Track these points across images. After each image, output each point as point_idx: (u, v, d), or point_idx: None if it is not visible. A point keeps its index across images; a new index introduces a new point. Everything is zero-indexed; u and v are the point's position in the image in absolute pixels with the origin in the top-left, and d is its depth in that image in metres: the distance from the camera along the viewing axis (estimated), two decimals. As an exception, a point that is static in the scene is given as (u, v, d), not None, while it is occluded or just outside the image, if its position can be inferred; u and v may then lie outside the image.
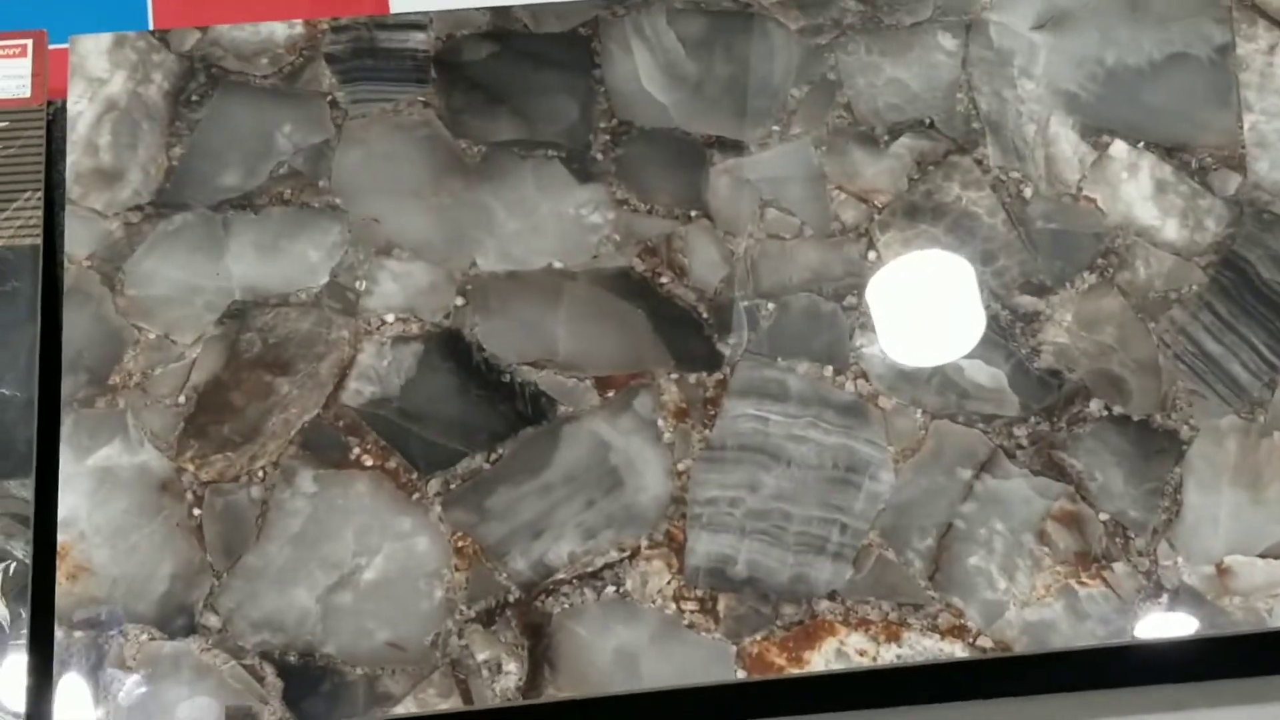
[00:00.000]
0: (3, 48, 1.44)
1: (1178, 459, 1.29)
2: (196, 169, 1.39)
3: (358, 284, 1.35)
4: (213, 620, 1.24)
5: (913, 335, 1.33)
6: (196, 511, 1.27)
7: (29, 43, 1.44)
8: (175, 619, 1.24)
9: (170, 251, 1.36)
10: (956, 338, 1.33)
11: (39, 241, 1.36)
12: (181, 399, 1.31)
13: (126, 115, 1.40)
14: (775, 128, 1.41)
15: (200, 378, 1.31)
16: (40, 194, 1.38)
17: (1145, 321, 1.34)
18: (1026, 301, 1.35)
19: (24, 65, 1.43)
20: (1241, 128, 1.41)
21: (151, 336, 1.33)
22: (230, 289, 1.35)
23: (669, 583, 1.25)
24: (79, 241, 1.36)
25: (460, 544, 1.26)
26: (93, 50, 1.42)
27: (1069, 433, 1.30)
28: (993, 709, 1.28)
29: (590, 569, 1.26)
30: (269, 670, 1.23)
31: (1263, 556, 1.25)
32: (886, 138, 1.41)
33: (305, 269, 1.36)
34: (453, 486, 1.28)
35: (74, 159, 1.39)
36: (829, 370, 1.32)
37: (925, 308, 1.34)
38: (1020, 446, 1.29)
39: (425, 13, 1.45)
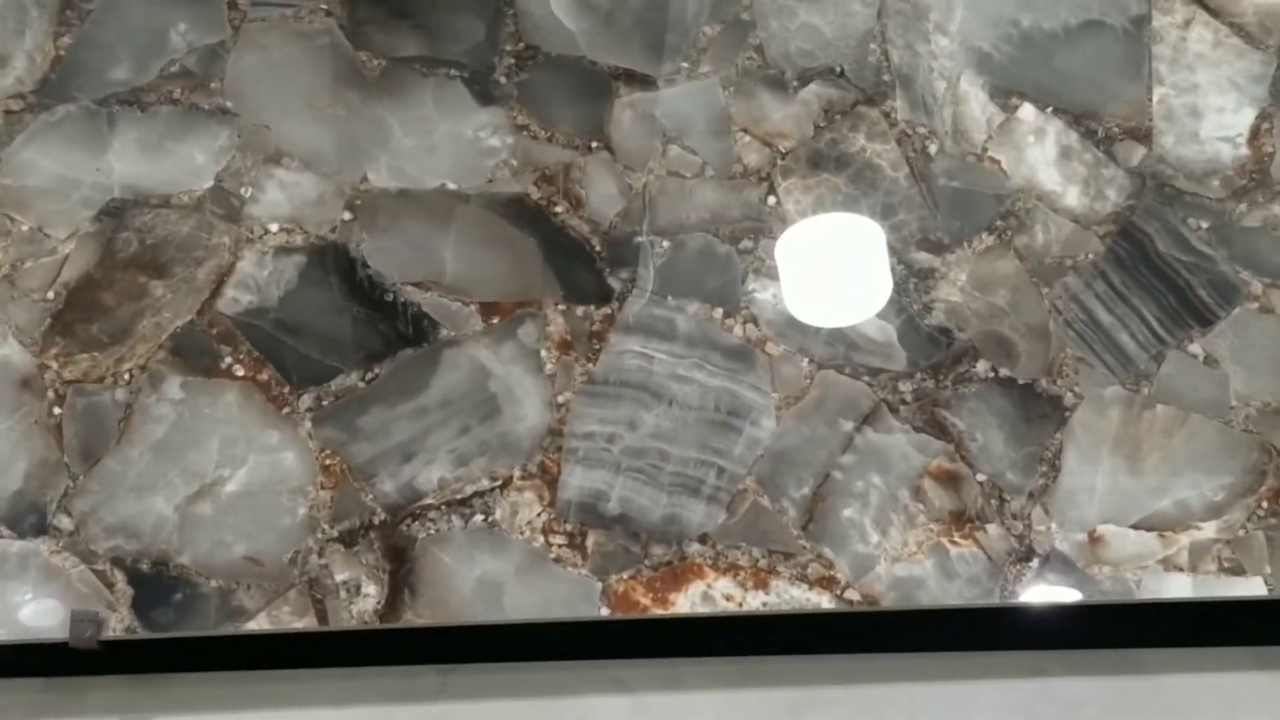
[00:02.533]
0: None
1: (1060, 425, 1.28)
2: (85, 61, 1.35)
3: (243, 190, 1.31)
4: (65, 522, 1.20)
5: (807, 284, 1.31)
6: (57, 410, 1.23)
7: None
8: (26, 518, 1.20)
9: (50, 143, 1.31)
10: (851, 290, 1.31)
11: (-87, 122, 1.31)
12: (50, 295, 1.27)
13: (15, 0, 1.35)
14: (685, 65, 1.39)
15: (71, 274, 1.27)
16: (-82, 74, 1.33)
17: (1039, 286, 1.32)
18: (922, 258, 1.33)
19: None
20: (1150, 100, 1.39)
21: (24, 228, 1.28)
22: (110, 186, 1.30)
23: (539, 515, 1.23)
24: (-45, 125, 1.31)
25: (328, 462, 1.23)
26: (-16, -71, 1.37)
27: (954, 392, 1.28)
28: (856, 664, 1.27)
29: (459, 496, 1.23)
30: (120, 577, 1.19)
31: (1135, 528, 1.25)
32: (796, 83, 1.39)
33: (190, 171, 1.32)
34: (325, 403, 1.25)
35: (-44, 40, 1.33)
36: (719, 312, 1.30)
37: (822, 258, 1.32)
38: (904, 402, 1.28)
39: (335, -81, 1.41)
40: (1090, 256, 1.33)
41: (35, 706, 1.22)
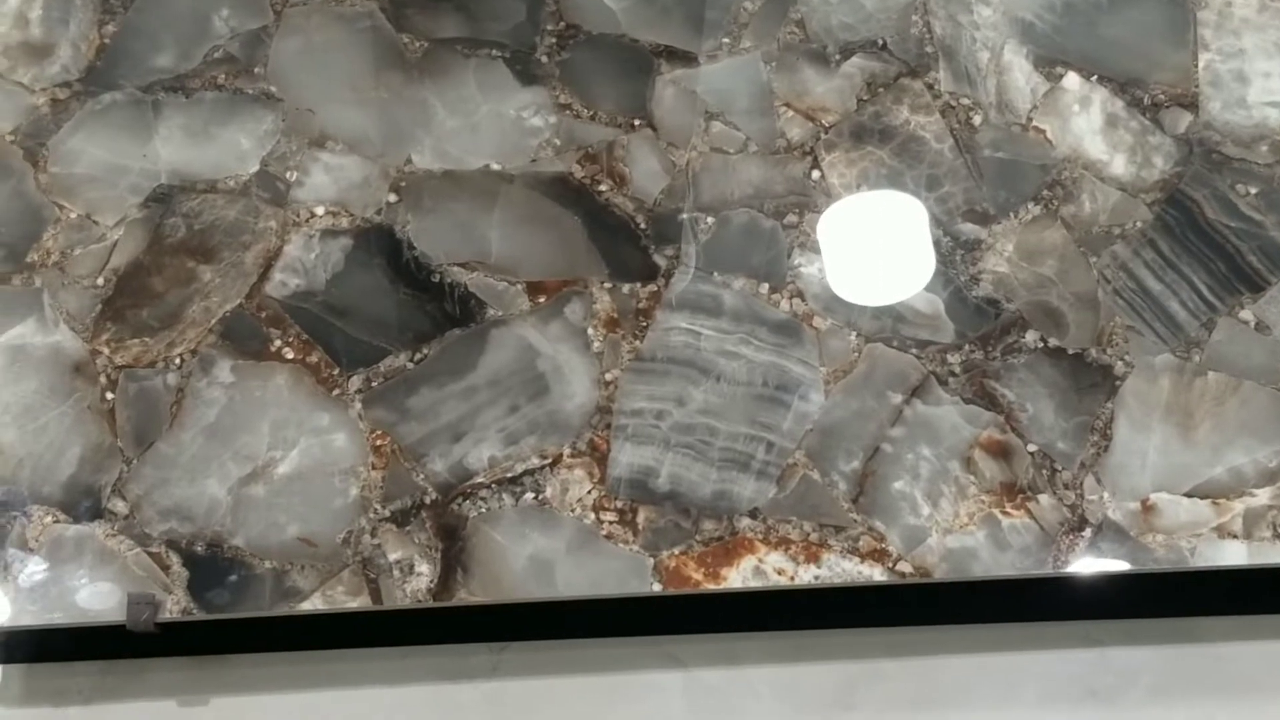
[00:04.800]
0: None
1: (1110, 394, 1.27)
2: (129, 48, 1.35)
3: (289, 174, 1.32)
4: (120, 506, 1.21)
5: (853, 258, 1.31)
6: (110, 395, 1.24)
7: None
8: (81, 502, 1.21)
9: (97, 131, 1.32)
10: (893, 267, 1.31)
11: (-38, 113, 1.33)
12: (100, 281, 1.27)
13: (59, -11, 1.36)
14: (726, 40, 1.38)
15: (121, 260, 1.28)
16: (-34, 65, 1.35)
17: (1087, 255, 1.32)
18: (968, 229, 1.33)
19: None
20: (1197, 66, 1.38)
21: (73, 216, 1.29)
22: (156, 172, 1.31)
23: (589, 492, 1.23)
24: (3, 115, 1.33)
25: (378, 442, 1.24)
26: (27, -80, 1.38)
27: (1002, 362, 1.28)
28: (910, 636, 1.27)
29: (510, 474, 1.24)
30: (175, 559, 1.20)
31: (1188, 495, 1.24)
32: (838, 57, 1.38)
33: (235, 156, 1.32)
34: (374, 384, 1.26)
35: (3, 30, 1.35)
36: (765, 288, 1.30)
37: (868, 231, 1.32)
38: (953, 374, 1.28)
39: (374, -98, 1.42)
40: (1138, 224, 1.32)
41: (94, 689, 1.23)
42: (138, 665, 1.23)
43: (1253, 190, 1.32)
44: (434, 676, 1.24)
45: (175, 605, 1.18)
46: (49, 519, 1.19)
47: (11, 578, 1.17)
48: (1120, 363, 1.28)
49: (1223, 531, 1.23)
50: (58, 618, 1.17)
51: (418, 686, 1.24)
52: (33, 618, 1.17)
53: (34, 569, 1.18)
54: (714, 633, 1.27)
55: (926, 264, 1.30)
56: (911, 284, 1.30)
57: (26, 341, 1.24)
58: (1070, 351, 1.28)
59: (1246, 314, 1.29)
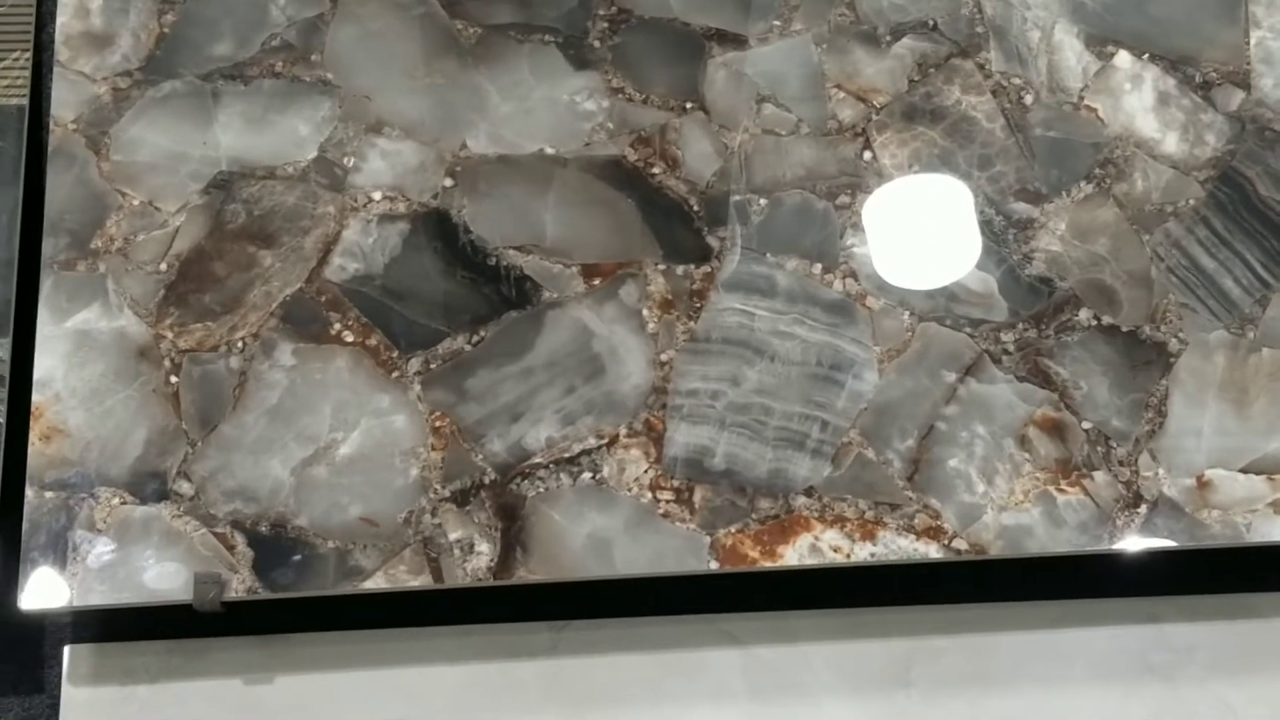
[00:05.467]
0: (-5, -95, 1.41)
1: (1164, 371, 1.28)
2: (188, 37, 1.37)
3: (346, 160, 1.33)
4: (185, 487, 1.23)
5: (905, 238, 1.31)
6: (174, 379, 1.26)
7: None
8: (147, 484, 1.23)
9: (157, 118, 1.34)
10: (950, 242, 1.32)
11: (25, 103, 1.35)
12: (163, 266, 1.29)
13: (119, -20, 1.38)
14: (776, 23, 1.39)
15: (183, 246, 1.30)
16: (29, 55, 1.37)
17: (1140, 233, 1.32)
18: (1021, 208, 1.33)
19: (17, -75, 1.41)
20: (1248, 44, 1.39)
21: (135, 203, 1.31)
22: (217, 159, 1.33)
23: (646, 471, 1.24)
24: (66, 104, 1.34)
25: (438, 424, 1.25)
26: (87, -88, 1.40)
27: (1056, 340, 1.28)
28: (966, 613, 1.28)
29: (567, 454, 1.25)
30: (240, 539, 1.22)
31: (1244, 471, 1.24)
32: (888, 38, 1.39)
33: (294, 142, 1.34)
34: (433, 366, 1.27)
35: (64, 21, 1.37)
36: (818, 268, 1.31)
37: (919, 212, 1.33)
38: (1006, 352, 1.28)
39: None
40: (1191, 202, 1.33)
41: (161, 668, 1.25)
42: (203, 644, 1.25)
43: (1306, 166, 1.33)
44: (495, 654, 1.26)
45: (240, 585, 1.20)
46: (116, 501, 1.22)
47: (80, 559, 1.20)
48: (1174, 340, 1.28)
49: (1278, 506, 1.23)
50: (125, 598, 1.19)
51: (479, 664, 1.26)
52: (101, 598, 1.19)
53: (102, 550, 1.20)
54: (770, 610, 1.28)
55: (978, 244, 1.30)
56: (963, 264, 1.30)
57: (92, 327, 1.26)
58: (1124, 329, 1.29)
59: (1301, 290, 1.29)
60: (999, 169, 1.34)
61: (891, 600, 1.28)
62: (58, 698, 1.24)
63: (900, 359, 1.28)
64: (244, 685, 1.25)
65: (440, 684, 1.25)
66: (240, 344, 1.26)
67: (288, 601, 1.23)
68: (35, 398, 1.24)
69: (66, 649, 1.25)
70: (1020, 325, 1.29)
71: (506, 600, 1.26)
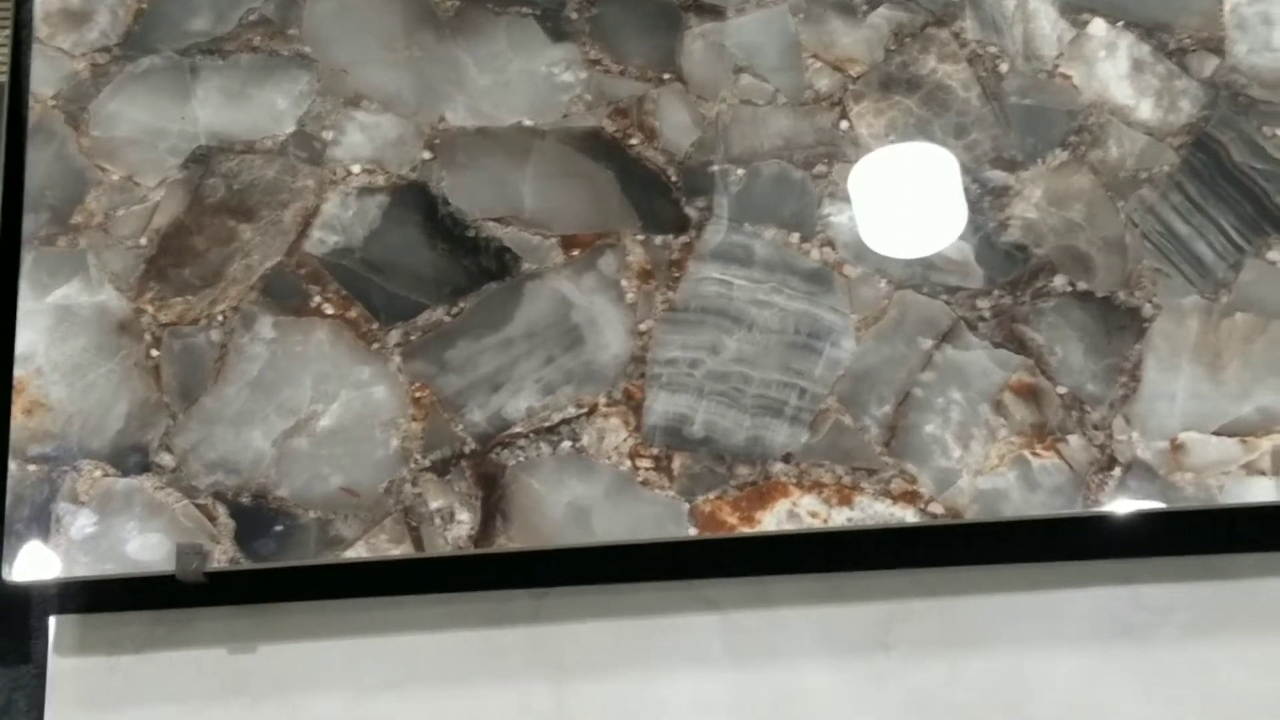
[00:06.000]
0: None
1: (1139, 336, 1.29)
2: (166, 13, 1.38)
3: (325, 134, 1.34)
4: (167, 459, 1.24)
5: (882, 207, 1.32)
6: (155, 352, 1.27)
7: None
8: (129, 457, 1.24)
9: (136, 94, 1.35)
10: (927, 211, 1.33)
11: (5, 79, 1.36)
12: (143, 241, 1.30)
13: (96, -44, 1.38)
14: (753, -6, 1.40)
15: (162, 221, 1.31)
16: (9, 32, 1.38)
17: (1114, 200, 1.33)
18: (997, 176, 1.34)
19: (-6, -99, 1.41)
20: (1222, 10, 1.39)
21: (115, 178, 1.32)
22: (195, 134, 1.34)
23: (625, 440, 1.25)
24: (45, 81, 1.35)
25: (418, 394, 1.26)
26: (64, -112, 1.40)
27: (1032, 307, 1.29)
28: (944, 576, 1.29)
29: (547, 424, 1.26)
30: (221, 510, 1.23)
31: (1217, 434, 1.26)
32: (865, 7, 1.39)
33: (272, 117, 1.35)
34: (413, 338, 1.28)
35: (42, -2, 1.37)
36: (795, 237, 1.32)
37: (897, 181, 1.33)
38: (982, 319, 1.29)
39: None
40: (1165, 168, 1.34)
41: (146, 639, 1.26)
42: (188, 615, 1.26)
43: (1278, 132, 1.33)
44: (477, 621, 1.27)
45: (223, 555, 1.21)
46: (98, 473, 1.23)
47: (63, 531, 1.21)
48: (1148, 305, 1.29)
49: (1251, 469, 1.24)
50: (109, 568, 1.21)
51: (461, 631, 1.27)
52: (84, 569, 1.20)
53: (84, 522, 1.21)
54: (749, 575, 1.29)
55: (956, 214, 1.31)
56: (942, 234, 1.31)
57: (73, 301, 1.27)
58: (1099, 295, 1.30)
59: (1274, 254, 1.30)
60: (974, 137, 1.35)
61: (870, 564, 1.29)
62: (44, 668, 1.25)
63: (877, 326, 1.28)
64: (228, 655, 1.26)
65: (422, 651, 1.26)
66: (220, 317, 1.27)
67: (270, 572, 1.24)
68: (17, 372, 1.25)
69: (52, 620, 1.26)
70: (996, 292, 1.30)
71: (488, 568, 1.28)
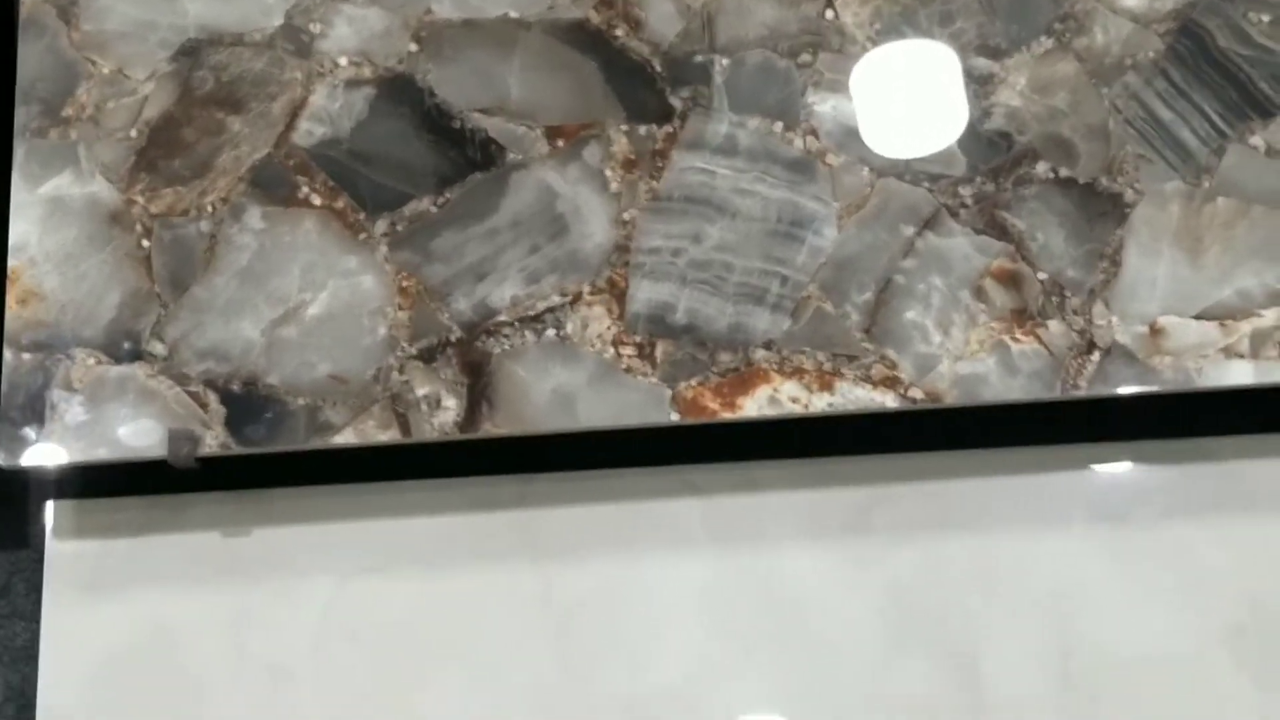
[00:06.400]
0: None
1: (1120, 222, 1.29)
2: (154, -93, 1.38)
3: (312, 26, 1.35)
4: (158, 348, 1.26)
5: (866, 95, 1.33)
6: (145, 243, 1.29)
7: None
8: (122, 345, 1.26)
9: (126, -12, 1.36)
10: (912, 99, 1.33)
11: (-5, -25, 1.36)
12: (133, 133, 1.32)
13: None
14: (739, -117, 1.39)
15: (152, 113, 1.32)
16: (-3, -72, 1.38)
17: (1098, 87, 1.33)
18: (981, 64, 1.34)
19: None
20: (1211, -105, 1.38)
21: (105, 71, 1.33)
22: (185, 26, 1.35)
23: (609, 328, 1.27)
24: (35, -25, 1.36)
25: (404, 284, 1.28)
26: None
27: (1014, 193, 1.30)
28: (924, 461, 1.31)
29: (532, 312, 1.28)
30: (212, 398, 1.25)
31: (1197, 318, 1.26)
32: (851, -104, 1.39)
33: (260, 10, 1.36)
34: (399, 228, 1.30)
35: (31, -107, 1.38)
36: (779, 126, 1.32)
37: (882, 70, 1.34)
38: (965, 206, 1.30)
39: None
40: (1150, 55, 1.33)
41: (142, 524, 1.29)
42: (181, 500, 1.29)
43: (1265, 18, 1.33)
44: (465, 506, 1.29)
45: (214, 440, 1.23)
46: (91, 361, 1.25)
47: (58, 417, 1.23)
48: (1130, 190, 1.30)
49: (1229, 352, 1.25)
50: (103, 454, 1.23)
51: (449, 516, 1.29)
52: (79, 454, 1.23)
53: (78, 408, 1.24)
54: (732, 461, 1.31)
55: (942, 102, 1.32)
56: (927, 123, 1.31)
57: (64, 193, 1.29)
58: (1081, 181, 1.30)
59: (1257, 140, 1.30)
60: (960, 25, 1.35)
61: (851, 450, 1.31)
62: (42, 552, 1.28)
63: (859, 214, 1.29)
64: (222, 539, 1.29)
65: (411, 535, 1.29)
66: (210, 208, 1.29)
67: (261, 458, 1.26)
68: (11, 262, 1.27)
69: (50, 505, 1.29)
70: (978, 179, 1.30)
71: (474, 455, 1.30)
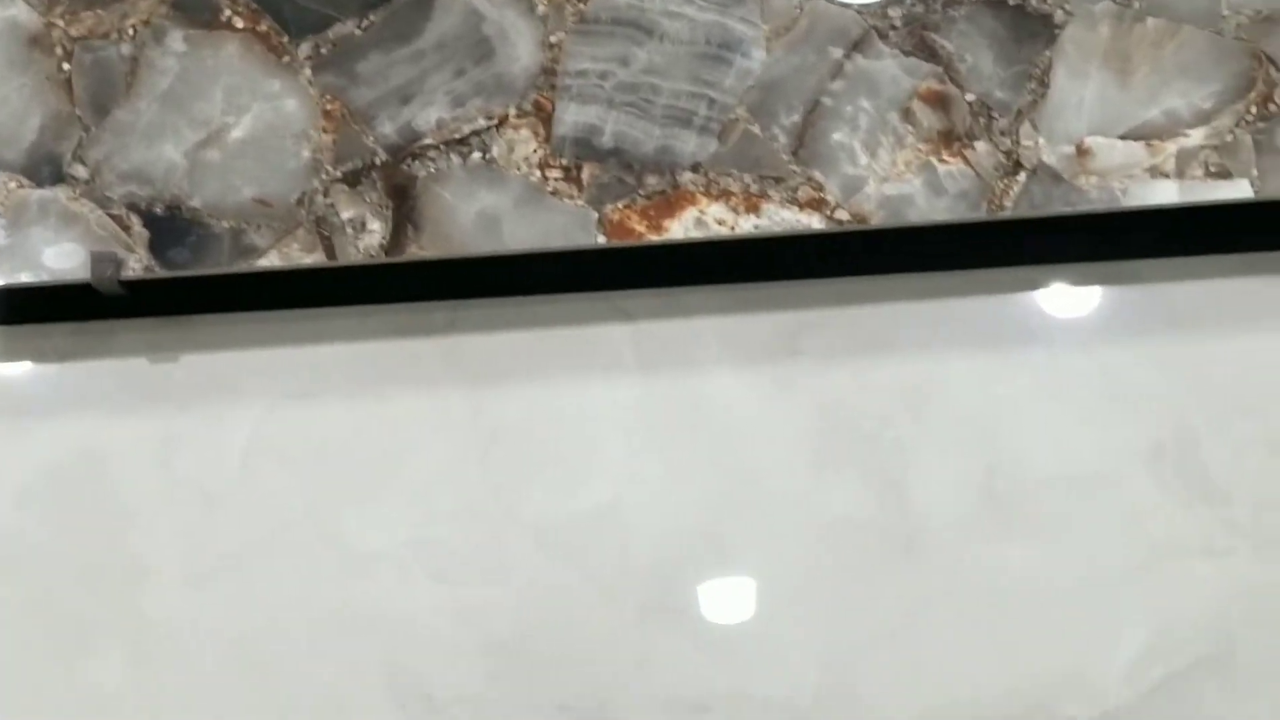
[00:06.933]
0: None
1: (1049, 43, 1.28)
2: None
3: None
4: (81, 171, 1.25)
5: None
6: (66, 66, 1.27)
7: None
8: (43, 168, 1.25)
9: None
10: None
11: None
12: (52, -45, 1.30)
13: None
14: None
15: (71, -66, 1.30)
16: None
17: (1032, -93, 1.31)
18: (914, -115, 1.32)
19: None
20: None
21: (22, -107, 1.31)
22: None
23: (535, 151, 1.26)
24: None
25: (329, 107, 1.27)
26: None
27: (943, 15, 1.29)
28: (851, 286, 1.31)
29: (457, 135, 1.27)
30: (135, 220, 1.25)
31: (1123, 138, 1.26)
32: None
33: None
34: (323, 50, 1.28)
35: None
36: (708, -51, 1.31)
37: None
38: (894, 27, 1.29)
39: None
40: (1084, -126, 1.32)
41: (69, 349, 1.29)
42: (108, 326, 1.29)
43: None
44: (393, 332, 1.29)
45: (137, 264, 1.23)
46: (13, 185, 1.24)
47: (-20, 241, 1.23)
48: (1060, 11, 1.29)
49: (1155, 172, 1.25)
50: (25, 277, 1.23)
51: (378, 342, 1.29)
52: (2, 277, 1.22)
53: (0, 232, 1.23)
54: (662, 287, 1.31)
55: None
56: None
57: (-17, 16, 1.27)
58: (1010, 2, 1.29)
59: (1188, -41, 1.29)
60: None
61: (780, 275, 1.31)
62: (-30, 377, 1.28)
63: (788, 36, 1.28)
64: (150, 364, 1.29)
65: (339, 361, 1.29)
66: (131, 31, 1.27)
67: (189, 284, 1.26)
68: (-71, 85, 1.25)
69: (-25, 331, 1.29)
70: (908, 1, 1.29)
71: (403, 281, 1.30)
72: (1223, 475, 1.26)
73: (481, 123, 1.27)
